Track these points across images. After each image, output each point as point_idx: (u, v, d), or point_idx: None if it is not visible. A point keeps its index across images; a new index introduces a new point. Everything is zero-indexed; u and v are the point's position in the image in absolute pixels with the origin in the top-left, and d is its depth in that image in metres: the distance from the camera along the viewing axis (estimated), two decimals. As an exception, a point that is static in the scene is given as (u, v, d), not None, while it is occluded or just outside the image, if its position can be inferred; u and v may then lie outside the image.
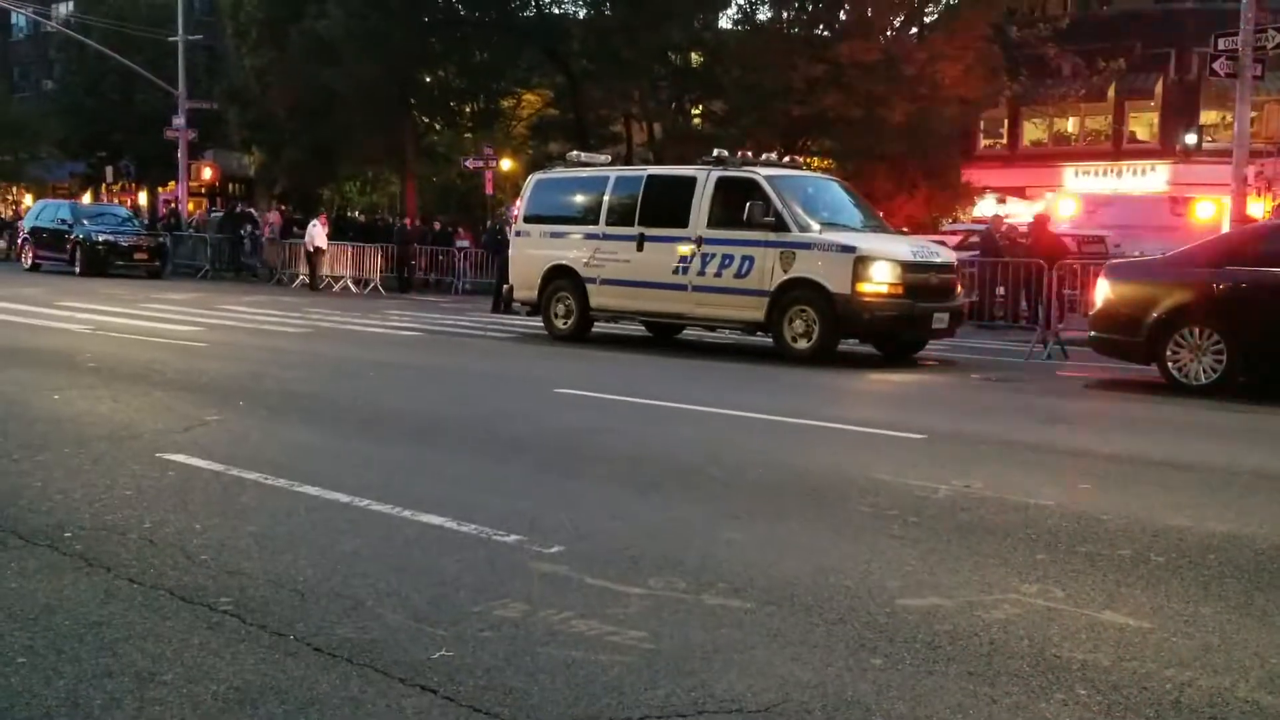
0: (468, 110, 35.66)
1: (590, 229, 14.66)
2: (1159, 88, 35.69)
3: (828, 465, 6.65)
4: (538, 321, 15.77)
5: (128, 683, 3.25)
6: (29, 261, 29.48)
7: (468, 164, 31.15)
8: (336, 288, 25.67)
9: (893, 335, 13.01)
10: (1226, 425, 8.97)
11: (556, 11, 33.79)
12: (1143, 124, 37.14)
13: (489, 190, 30.53)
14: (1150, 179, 36.20)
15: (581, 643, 3.61)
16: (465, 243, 27.59)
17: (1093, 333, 11.62)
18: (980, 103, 31.51)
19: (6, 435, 6.83)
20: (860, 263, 12.28)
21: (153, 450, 6.45)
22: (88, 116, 43.24)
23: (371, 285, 25.66)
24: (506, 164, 33.07)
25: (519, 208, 16.09)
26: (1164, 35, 34.60)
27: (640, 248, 13.91)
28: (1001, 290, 18.62)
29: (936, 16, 29.45)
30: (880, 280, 12.33)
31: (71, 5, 47.02)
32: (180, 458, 6.26)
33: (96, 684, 3.23)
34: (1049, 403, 10.04)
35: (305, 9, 30.53)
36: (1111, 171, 36.71)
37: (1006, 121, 38.26)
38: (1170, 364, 10.62)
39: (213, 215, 33.55)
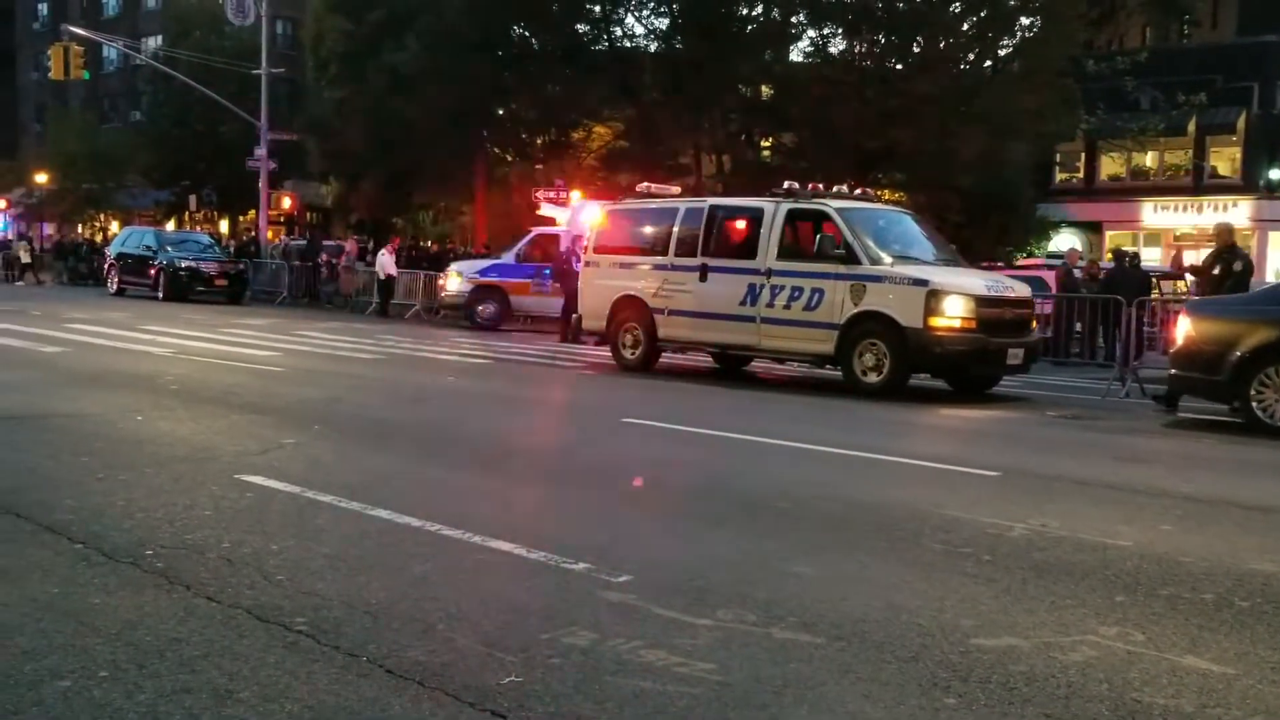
0: (539, 142, 36.12)
1: (659, 260, 14.71)
2: (1241, 122, 34.93)
3: (898, 500, 6.56)
4: (606, 351, 15.85)
5: (206, 699, 3.31)
6: (115, 286, 30.39)
7: (538, 195, 31.51)
8: (408, 315, 26.06)
9: (965, 370, 12.82)
10: (1314, 468, 8.69)
11: (628, 45, 34.13)
12: (1224, 159, 36.35)
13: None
14: (1232, 215, 35.35)
15: (650, 673, 3.60)
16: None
17: (1173, 371, 11.35)
18: (1055, 136, 31.08)
19: (92, 455, 7.03)
20: (932, 296, 12.16)
21: (231, 472, 6.59)
22: (173, 146, 44.67)
23: (442, 313, 25.98)
24: (576, 195, 33.32)
25: (589, 238, 16.22)
26: (1247, 69, 33.89)
27: (703, 278, 13.94)
28: (1079, 326, 18.25)
29: (1011, 49, 29.16)
30: (953, 314, 12.19)
31: (160, 39, 48.66)
32: (258, 479, 6.39)
33: (176, 700, 3.30)
34: (1126, 441, 9.82)
35: (383, 44, 31.27)
36: (1192, 207, 35.98)
37: (1083, 155, 37.67)
38: (1255, 404, 10.31)
39: (292, 243, 34.28)
